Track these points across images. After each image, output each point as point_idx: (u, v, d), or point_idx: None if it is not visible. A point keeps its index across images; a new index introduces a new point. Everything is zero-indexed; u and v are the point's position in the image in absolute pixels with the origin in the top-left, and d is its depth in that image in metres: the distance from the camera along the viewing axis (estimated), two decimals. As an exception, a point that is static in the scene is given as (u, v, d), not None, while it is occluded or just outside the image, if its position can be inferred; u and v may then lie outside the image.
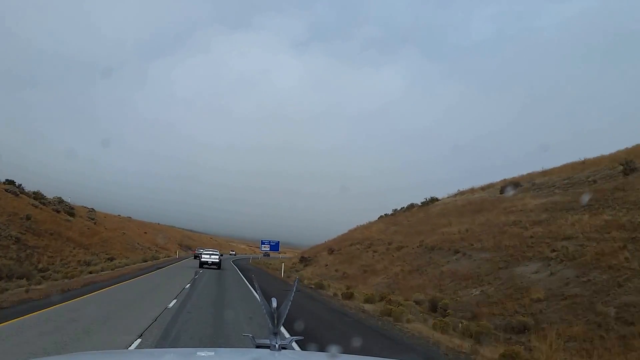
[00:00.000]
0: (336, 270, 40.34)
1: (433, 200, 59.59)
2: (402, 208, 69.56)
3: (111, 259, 45.36)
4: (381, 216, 77.50)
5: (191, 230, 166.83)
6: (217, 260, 41.18)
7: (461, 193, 55.86)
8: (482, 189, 50.77)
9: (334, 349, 2.33)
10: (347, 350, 3.84)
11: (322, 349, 3.11)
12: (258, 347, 2.37)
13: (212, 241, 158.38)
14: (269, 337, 2.28)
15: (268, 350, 2.23)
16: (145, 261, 50.31)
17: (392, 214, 69.71)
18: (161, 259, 57.99)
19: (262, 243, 71.07)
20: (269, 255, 74.29)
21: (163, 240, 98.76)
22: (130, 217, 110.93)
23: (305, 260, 61.25)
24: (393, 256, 33.53)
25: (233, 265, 51.17)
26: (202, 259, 41.56)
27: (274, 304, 2.32)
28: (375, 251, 39.63)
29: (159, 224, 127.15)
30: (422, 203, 60.80)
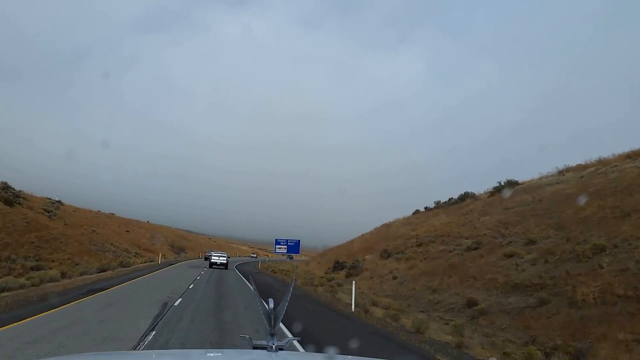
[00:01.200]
0: (434, 291, 21.94)
1: (512, 183, 41.68)
2: (450, 199, 53.68)
3: (36, 269, 27.15)
4: (417, 210, 60.41)
5: (188, 231, 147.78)
6: (225, 262, 46.33)
7: (571, 169, 38.78)
8: (629, 157, 32.68)
9: (331, 349, 2.35)
10: None
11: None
12: (255, 348, 2.29)
13: (211, 242, 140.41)
14: (266, 338, 2.20)
15: (265, 351, 2.17)
16: (103, 270, 32.13)
17: (436, 207, 54.46)
18: (132, 267, 39.62)
19: (277, 243, 52.67)
20: (292, 257, 58.52)
21: (150, 241, 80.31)
22: (112, 214, 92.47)
23: (341, 266, 42.94)
24: (601, 267, 15.15)
25: (243, 280, 32.59)
26: (212, 260, 46.92)
27: (271, 305, 2.24)
28: (509, 255, 21.30)
29: (148, 222, 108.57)
30: (495, 188, 43.05)
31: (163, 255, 71.67)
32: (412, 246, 37.02)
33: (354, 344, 9.14)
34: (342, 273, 40.11)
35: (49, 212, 53.49)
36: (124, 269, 37.40)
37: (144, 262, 48.49)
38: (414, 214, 67.12)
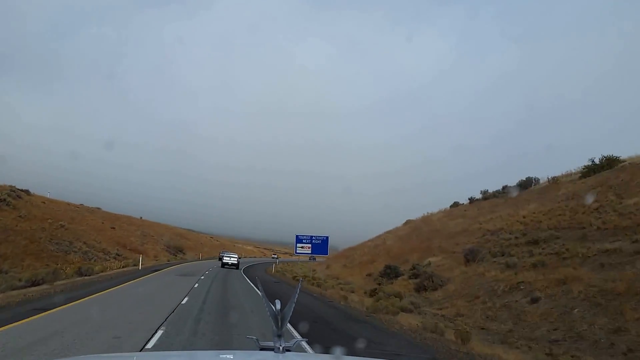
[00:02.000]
0: None
1: (612, 160, 34.85)
2: (505, 187, 48.69)
3: None
4: (457, 203, 55.22)
5: (189, 229, 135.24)
6: (236, 262, 48.97)
7: None
8: None
9: (338, 350, 2.29)
10: None
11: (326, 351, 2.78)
12: (262, 349, 2.25)
13: (213, 241, 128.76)
14: (273, 339, 2.15)
15: (272, 352, 2.13)
16: (36, 284, 19.94)
17: (485, 197, 48.59)
18: (97, 274, 27.23)
19: (298, 241, 40.05)
20: (314, 259, 50.30)
21: (140, 240, 67.93)
22: (98, 208, 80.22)
23: (395, 273, 30.39)
24: None
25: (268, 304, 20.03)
26: (224, 261, 49.99)
27: (278, 306, 2.20)
28: None
29: (141, 218, 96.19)
30: (586, 167, 36.34)
31: (155, 257, 59.61)
32: (515, 245, 24.55)
33: None
34: (401, 283, 27.62)
35: (1, 201, 41.37)
36: (80, 278, 25.11)
37: (122, 267, 36.07)
38: (451, 206, 56.78)
